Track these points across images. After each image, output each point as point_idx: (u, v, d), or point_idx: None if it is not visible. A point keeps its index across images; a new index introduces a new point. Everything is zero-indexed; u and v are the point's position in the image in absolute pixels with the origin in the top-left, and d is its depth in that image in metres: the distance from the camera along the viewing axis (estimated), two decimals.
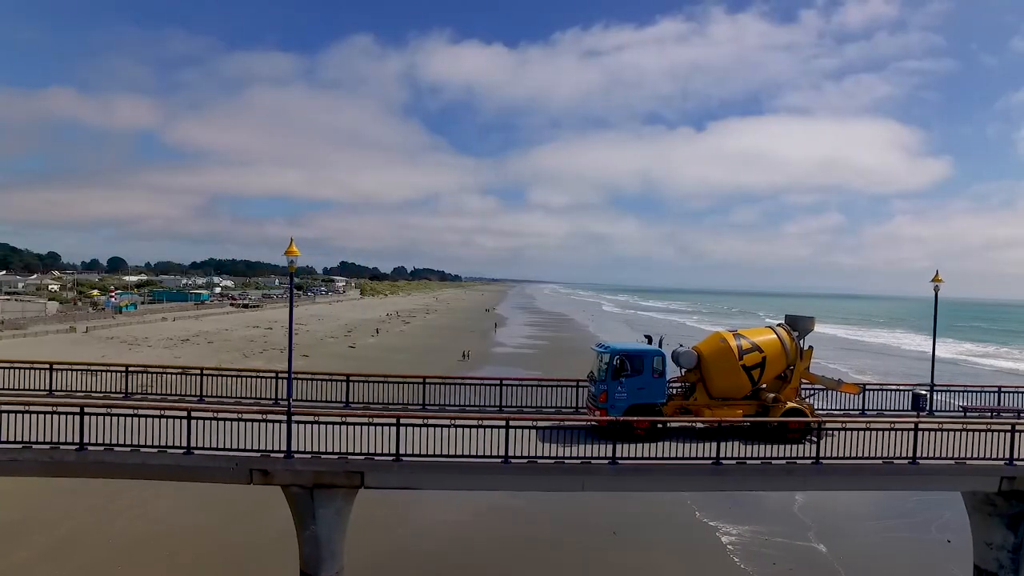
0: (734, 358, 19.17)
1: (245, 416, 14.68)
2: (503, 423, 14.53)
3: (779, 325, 20.69)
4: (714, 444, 15.20)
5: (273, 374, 20.75)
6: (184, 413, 14.07)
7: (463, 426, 14.55)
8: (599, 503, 27.35)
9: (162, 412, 14.04)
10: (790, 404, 19.03)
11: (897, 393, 22.79)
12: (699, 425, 18.52)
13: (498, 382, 20.07)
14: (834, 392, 21.30)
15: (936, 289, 21.99)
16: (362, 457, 14.58)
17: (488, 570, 22.04)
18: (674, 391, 20.04)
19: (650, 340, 20.35)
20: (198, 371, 19.85)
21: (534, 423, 15.09)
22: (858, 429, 16.94)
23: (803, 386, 20.42)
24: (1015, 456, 16.27)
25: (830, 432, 17.60)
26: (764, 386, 20.00)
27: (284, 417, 14.62)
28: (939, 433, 16.39)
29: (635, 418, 17.68)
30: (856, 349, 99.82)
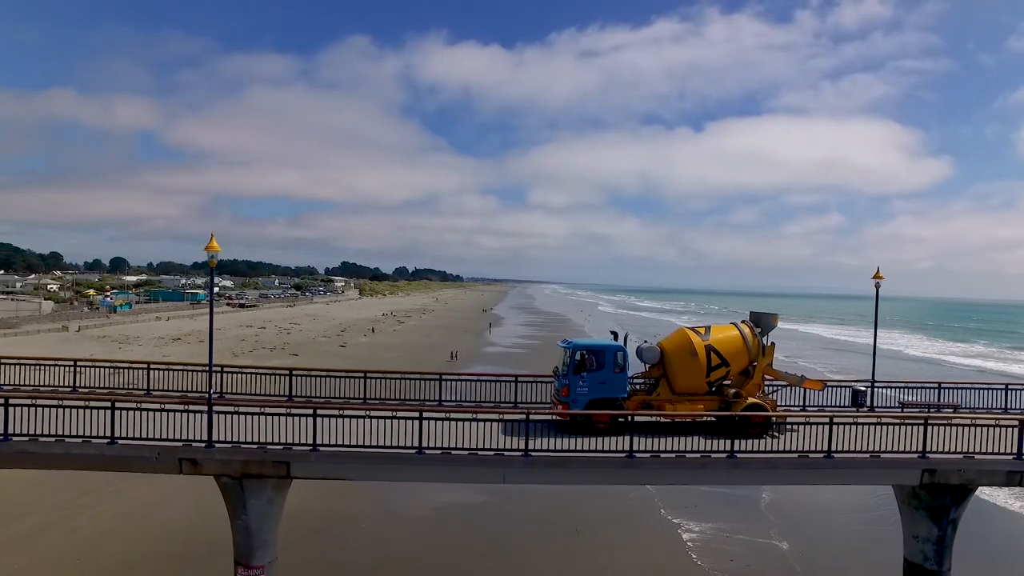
0: (697, 354, 19.38)
1: (167, 407, 15.07)
2: (416, 415, 14.86)
3: (743, 322, 20.85)
4: (626, 438, 15.44)
5: (237, 369, 21.26)
6: (108, 404, 14.47)
7: (378, 417, 14.90)
8: (564, 501, 27.68)
9: (87, 403, 14.44)
10: (751, 399, 19.19)
11: (839, 389, 23.04)
12: (664, 420, 18.60)
13: (438, 377, 20.38)
14: (797, 388, 21.38)
15: (877, 286, 22.21)
16: (280, 447, 14.93)
17: (446, 567, 22.22)
18: (638, 386, 20.21)
19: (616, 336, 20.53)
20: (145, 365, 20.24)
21: (474, 415, 15.35)
22: (809, 423, 17.06)
23: (767, 382, 20.55)
24: (928, 449, 16.44)
25: (792, 427, 17.76)
26: (729, 382, 20.20)
27: (219, 408, 15.01)
28: (876, 428, 16.50)
29: (595, 411, 17.89)
30: (843, 349, 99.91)
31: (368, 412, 15.21)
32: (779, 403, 21.09)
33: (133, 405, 14.80)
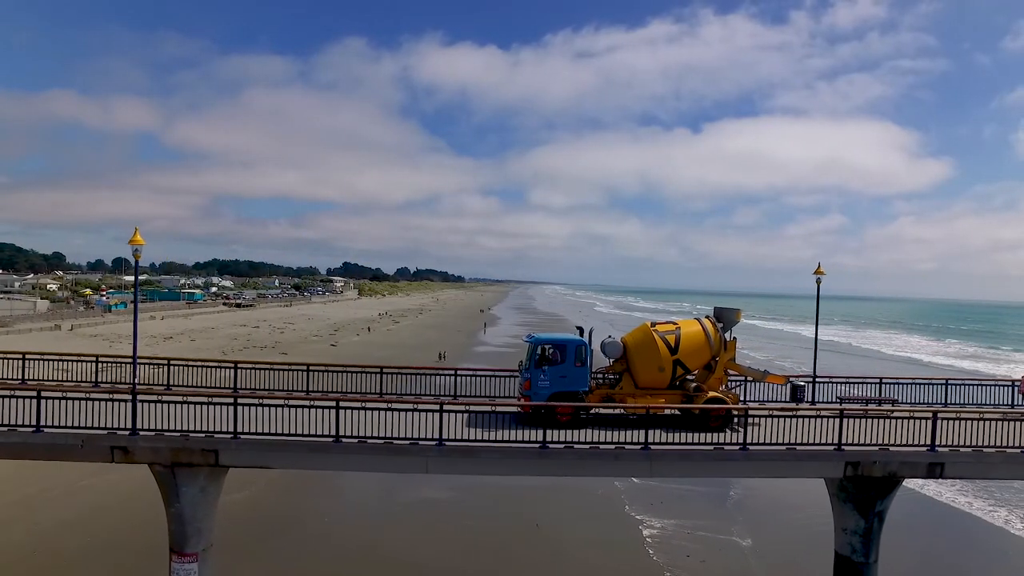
0: (658, 348, 19.62)
1: (93, 395, 15.51)
2: (333, 404, 15.26)
3: (706, 317, 21.04)
4: (543, 431, 15.70)
5: (183, 362, 21.73)
6: (34, 393, 14.93)
7: (296, 407, 15.30)
8: (531, 497, 28.24)
9: (12, 392, 14.91)
10: (712, 393, 19.42)
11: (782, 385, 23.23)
12: (632, 415, 18.93)
13: (378, 370, 20.80)
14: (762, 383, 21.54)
15: (818, 282, 22.52)
16: (203, 435, 15.35)
17: (403, 560, 22.50)
18: (602, 381, 20.46)
19: (582, 332, 20.79)
20: (93, 358, 20.72)
21: (389, 406, 15.74)
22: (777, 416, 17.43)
23: (731, 377, 20.78)
24: (853, 442, 16.65)
25: (756, 421, 17.94)
26: (693, 376, 20.47)
27: (153, 398, 15.49)
28: (814, 421, 16.69)
29: (557, 403, 18.17)
30: (824, 349, 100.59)
31: (286, 401, 15.61)
32: (756, 399, 21.38)
33: (60, 394, 15.20)
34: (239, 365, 20.69)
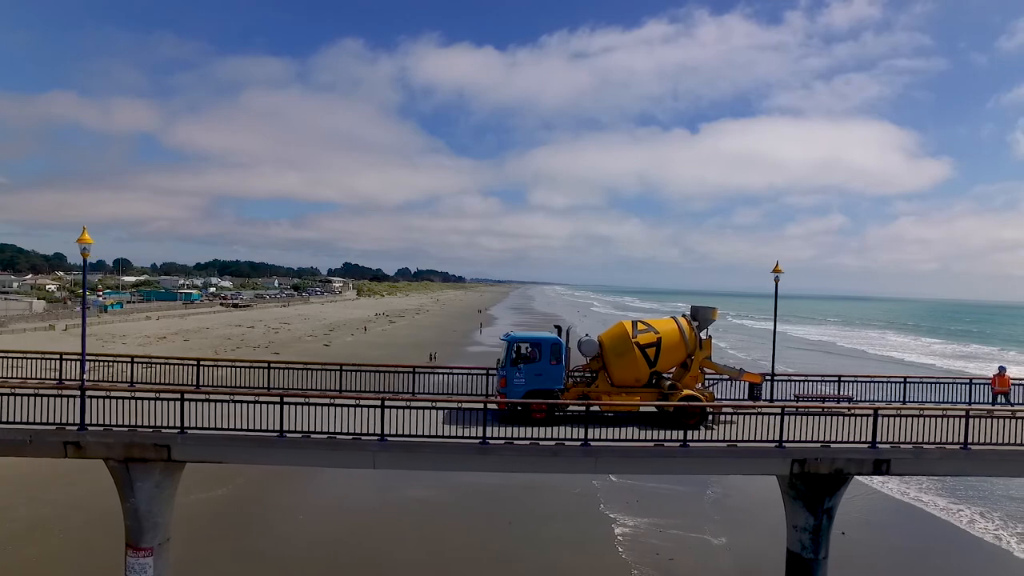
0: (632, 347, 19.82)
1: (41, 391, 15.82)
2: (277, 399, 15.55)
3: (682, 316, 21.24)
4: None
5: (147, 360, 22.06)
6: None
7: (241, 401, 15.61)
8: (506, 495, 28.58)
9: None
10: (687, 391, 19.58)
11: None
12: (609, 413, 19.17)
13: (338, 367, 21.08)
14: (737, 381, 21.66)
15: (776, 280, 22.66)
16: (151, 429, 15.63)
17: (371, 556, 22.76)
18: (579, 378, 20.67)
19: (560, 330, 21.01)
20: (57, 355, 21.06)
21: (331, 400, 16.05)
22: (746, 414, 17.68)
23: (708, 374, 20.95)
24: (785, 438, 16.82)
25: (731, 419, 18.20)
26: (670, 374, 20.66)
27: (102, 394, 15.76)
28: (767, 418, 16.99)
29: (532, 400, 18.43)
30: (811, 349, 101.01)
31: (232, 397, 15.91)
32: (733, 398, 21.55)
33: (8, 391, 15.52)
34: (201, 362, 21.01)
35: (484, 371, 22.89)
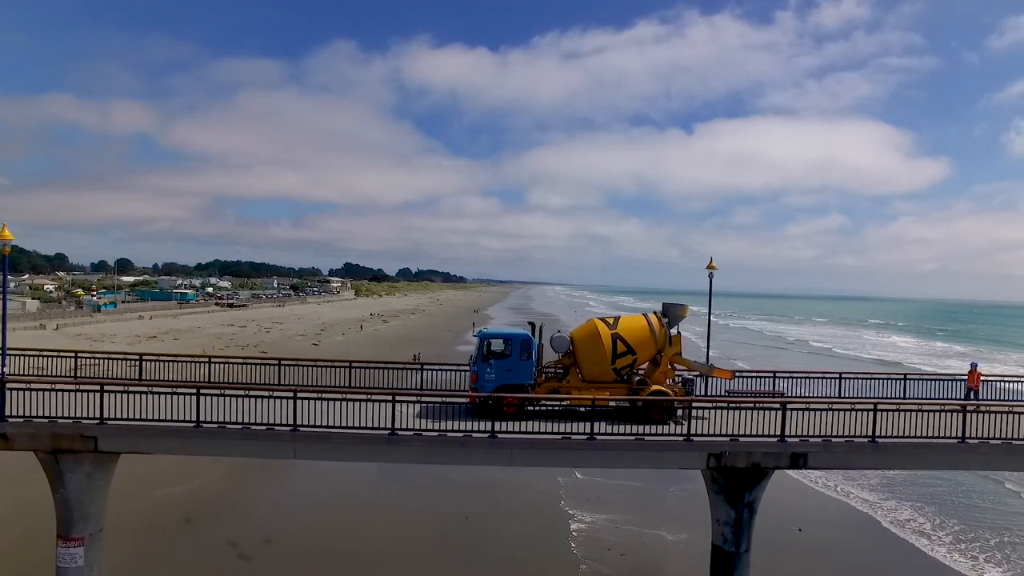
0: (603, 343, 20.26)
1: None
2: (194, 391, 16.01)
3: (653, 312, 21.66)
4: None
5: (89, 355, 22.59)
6: None
7: (159, 393, 16.10)
8: (466, 490, 29.06)
9: None
10: (656, 387, 19.99)
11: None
12: (582, 408, 19.47)
13: (277, 362, 21.57)
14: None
15: (711, 276, 23.00)
16: (70, 420, 16.09)
17: (325, 551, 23.05)
18: (551, 374, 21.13)
19: (534, 327, 21.44)
20: (19, 351, 21.54)
21: (246, 392, 16.51)
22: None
23: (678, 370, 21.31)
24: (692, 432, 17.19)
25: (703, 415, 18.42)
26: (642, 370, 21.05)
27: (22, 386, 16.26)
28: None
29: (504, 394, 18.80)
30: (779, 347, 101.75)
31: (150, 389, 16.40)
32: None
33: None
34: (144, 357, 21.55)
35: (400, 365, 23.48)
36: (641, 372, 21.23)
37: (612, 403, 19.50)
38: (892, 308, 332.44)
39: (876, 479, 32.83)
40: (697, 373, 21.78)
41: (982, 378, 23.94)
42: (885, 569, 23.99)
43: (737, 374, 24.15)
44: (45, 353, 21.54)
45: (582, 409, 19.43)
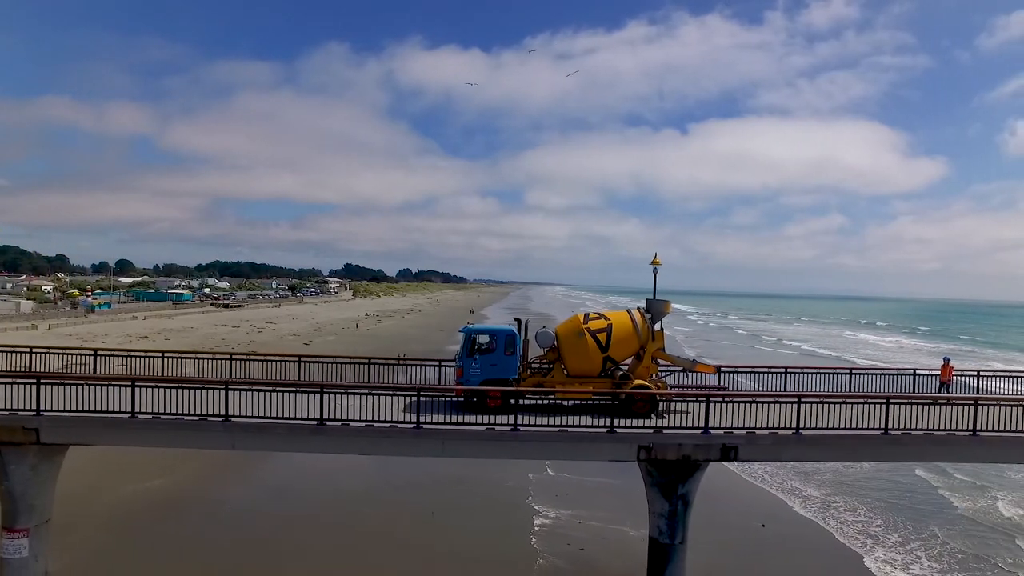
0: (586, 338, 20.71)
1: None
2: (129, 383, 16.48)
3: (636, 308, 22.05)
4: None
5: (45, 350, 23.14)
6: None
7: (96, 385, 16.55)
8: (437, 487, 29.26)
9: None
10: (638, 381, 20.37)
11: None
12: (566, 402, 20.01)
13: (228, 356, 22.09)
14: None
15: (655, 272, 23.35)
16: (7, 412, 16.56)
17: (283, 550, 23.21)
18: (536, 369, 21.49)
19: (519, 323, 21.83)
20: None
21: (179, 385, 16.88)
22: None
23: (661, 366, 21.65)
24: (616, 424, 17.50)
25: (685, 409, 18.79)
26: (625, 365, 21.39)
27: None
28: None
29: (489, 388, 19.25)
30: (751, 346, 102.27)
31: (88, 382, 16.88)
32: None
33: None
34: (98, 352, 22.07)
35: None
36: (625, 367, 21.54)
37: (600, 399, 19.72)
38: (892, 308, 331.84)
39: (831, 475, 33.23)
40: (680, 367, 22.16)
41: (954, 373, 24.46)
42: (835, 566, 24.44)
43: (722, 369, 24.51)
44: (70, 351, 22.12)
45: (567, 403, 19.80)
